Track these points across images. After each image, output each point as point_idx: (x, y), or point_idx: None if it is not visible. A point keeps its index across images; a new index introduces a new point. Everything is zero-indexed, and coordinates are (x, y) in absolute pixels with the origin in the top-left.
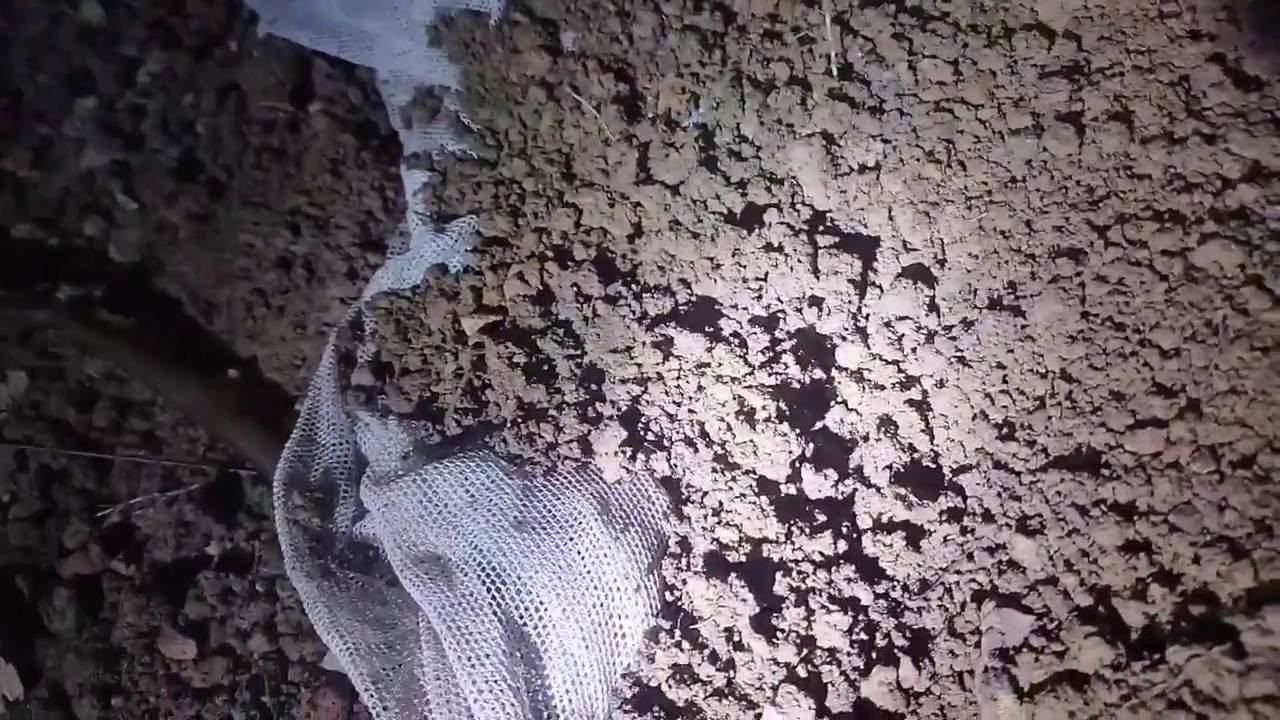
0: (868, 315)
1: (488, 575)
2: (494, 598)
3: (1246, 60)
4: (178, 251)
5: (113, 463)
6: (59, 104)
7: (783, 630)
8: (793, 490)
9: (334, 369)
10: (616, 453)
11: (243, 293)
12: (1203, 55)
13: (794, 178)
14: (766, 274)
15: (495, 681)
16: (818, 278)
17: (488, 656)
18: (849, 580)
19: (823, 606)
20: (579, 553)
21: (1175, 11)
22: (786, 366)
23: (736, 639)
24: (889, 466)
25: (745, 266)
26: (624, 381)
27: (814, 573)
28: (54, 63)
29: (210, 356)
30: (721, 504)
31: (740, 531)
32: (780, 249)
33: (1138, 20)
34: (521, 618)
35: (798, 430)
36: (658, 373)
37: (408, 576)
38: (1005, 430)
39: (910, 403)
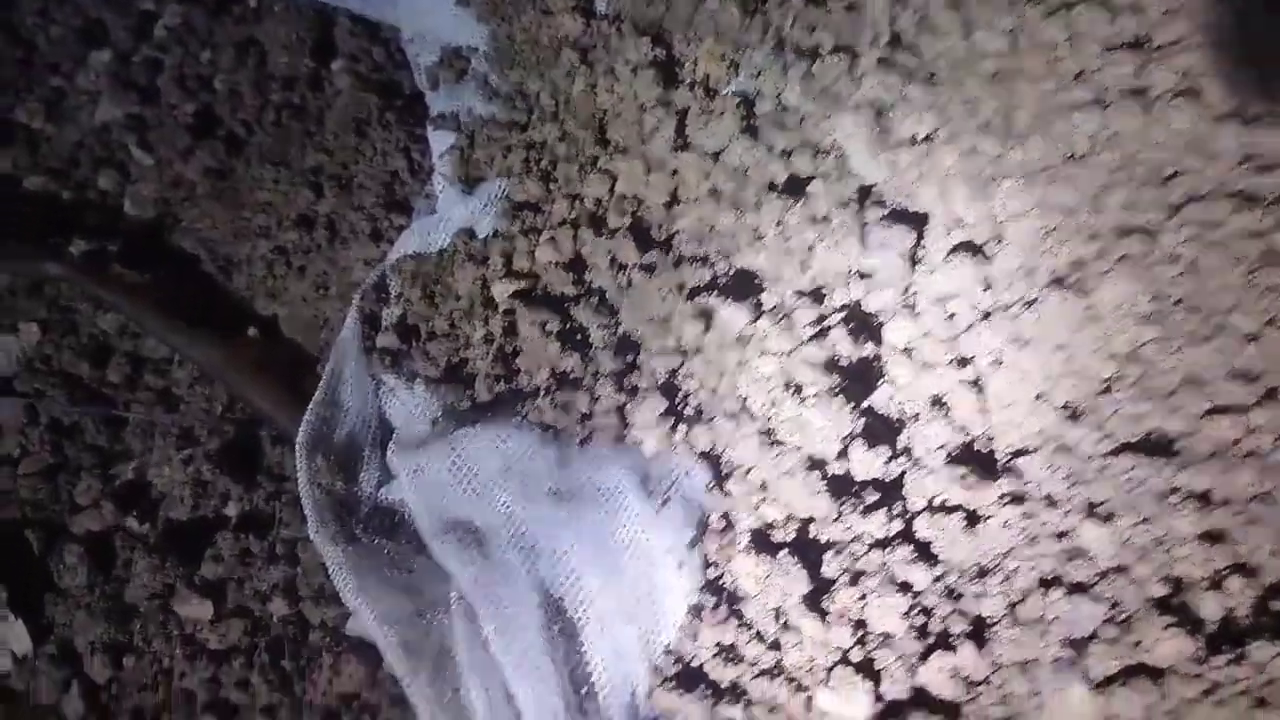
0: (919, 292)
1: (523, 545)
2: (530, 567)
3: None
4: (194, 207)
5: (126, 419)
6: (73, 56)
7: (835, 612)
8: (841, 469)
9: (358, 331)
10: (656, 424)
11: (262, 251)
12: None
13: (840, 148)
14: (812, 246)
15: (533, 653)
16: (866, 251)
17: (524, 628)
18: (904, 562)
19: (877, 589)
20: (619, 525)
21: None
22: (835, 342)
23: (785, 619)
24: (942, 447)
25: (789, 239)
26: (662, 353)
27: (866, 554)
28: (67, 14)
29: (228, 315)
30: (767, 480)
31: (787, 509)
32: (827, 221)
33: None
34: (559, 589)
35: (851, 406)
36: (697, 345)
37: (438, 543)
38: (1069, 413)
39: (965, 382)
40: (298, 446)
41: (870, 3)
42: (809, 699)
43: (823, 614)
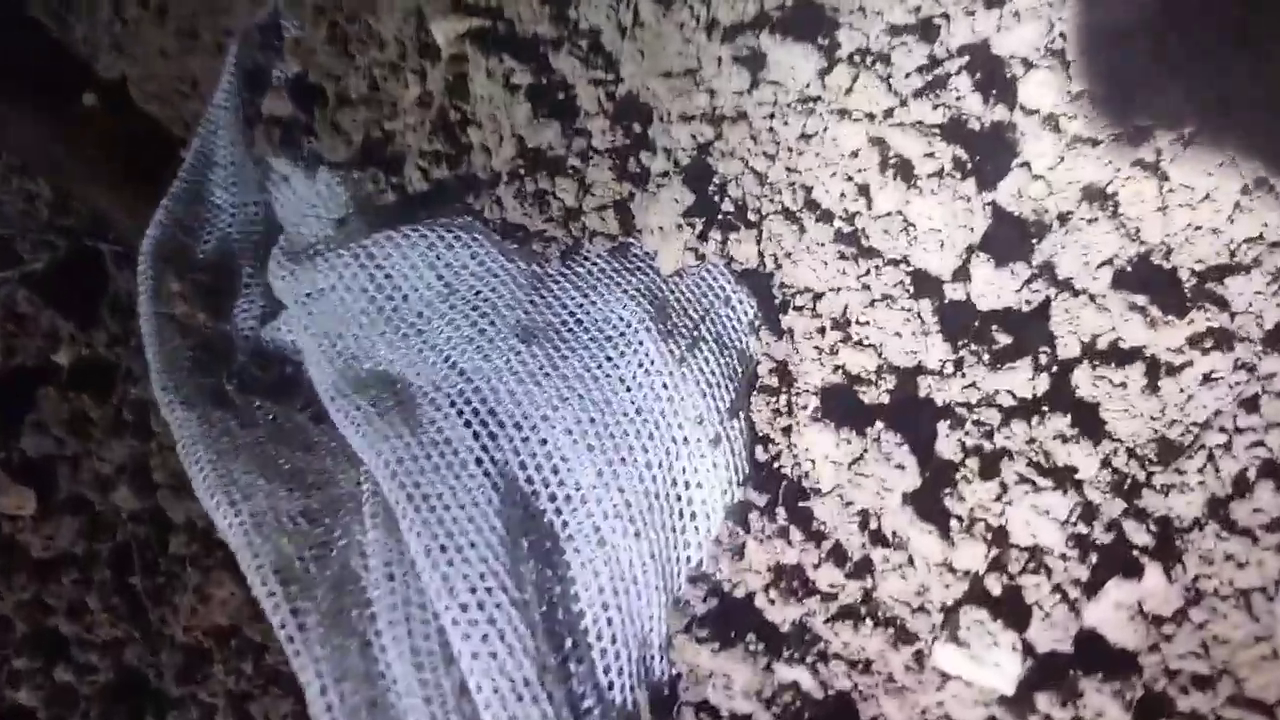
0: (1073, 26)
1: (475, 411)
2: (484, 448)
3: None
4: None
5: None
6: None
7: (959, 517)
8: (960, 293)
9: (237, 95)
10: (677, 227)
11: None
12: None
13: None
14: None
15: (486, 588)
16: None
17: (473, 545)
18: (1061, 439)
19: (1022, 479)
20: (621, 380)
21: None
22: (958, 94)
23: (880, 528)
24: (1108, 262)
25: None
26: (685, 119)
27: (1004, 425)
28: None
29: (59, 78)
30: (849, 311)
31: (881, 355)
32: None
33: None
34: (530, 483)
35: (980, 196)
36: (739, 107)
37: (342, 408)
38: None
39: (1139, 165)
40: (141, 259)
41: None
42: (918, 654)
43: (941, 520)
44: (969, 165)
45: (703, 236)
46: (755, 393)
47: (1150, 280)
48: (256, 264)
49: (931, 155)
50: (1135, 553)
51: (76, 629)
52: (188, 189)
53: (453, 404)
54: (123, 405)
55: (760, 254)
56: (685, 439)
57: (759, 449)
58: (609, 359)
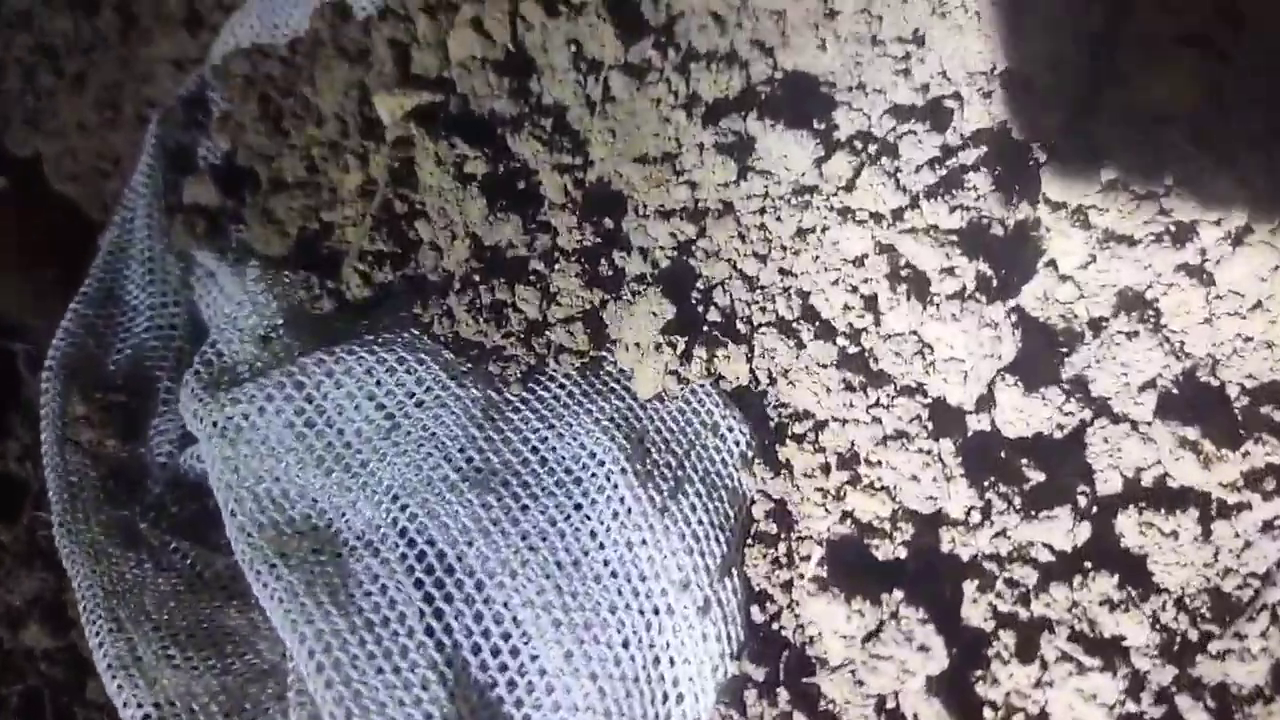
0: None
1: (428, 569)
2: (431, 628)
3: None
4: None
5: None
6: None
7: (993, 704)
8: (986, 424)
9: (158, 178)
10: (656, 346)
11: (19, 51)
12: None
13: None
14: (920, 30)
15: None
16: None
17: None
18: (1107, 604)
19: (1064, 655)
20: (593, 535)
21: None
22: (976, 194)
23: (900, 711)
24: (1151, 384)
25: (881, 17)
26: (664, 214)
27: (1041, 587)
28: None
29: None
30: (857, 446)
31: (895, 500)
32: None
33: None
34: (485, 669)
35: (1008, 313)
36: (724, 201)
37: (260, 573)
38: None
39: (1184, 270)
40: (45, 375)
41: None
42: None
43: (972, 710)
44: (994, 283)
45: (686, 355)
46: (750, 542)
47: (1198, 403)
48: (176, 376)
49: (950, 271)
50: None
51: None
52: (100, 288)
53: (402, 557)
54: (35, 528)
55: (752, 371)
56: (669, 607)
57: (756, 610)
58: (578, 507)
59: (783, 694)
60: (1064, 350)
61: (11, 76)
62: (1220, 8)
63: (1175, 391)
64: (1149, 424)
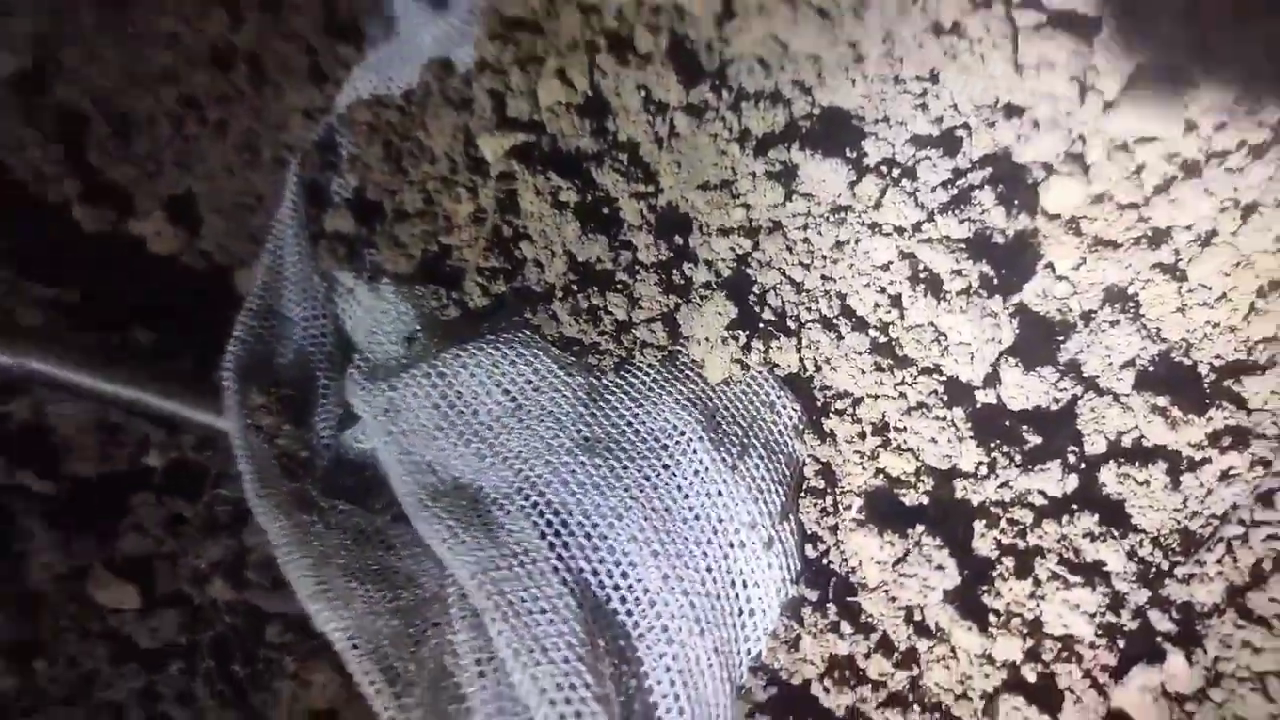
0: (1093, 133)
1: (548, 522)
2: (559, 554)
3: None
4: (81, 47)
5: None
6: None
7: (997, 612)
8: (990, 396)
9: (299, 211)
10: (722, 340)
11: (168, 103)
12: None
13: None
14: (935, 70)
15: (570, 685)
16: (1019, 75)
17: (556, 646)
18: (1090, 537)
19: (1054, 575)
20: (679, 488)
21: None
22: (982, 208)
23: (924, 621)
24: (1130, 363)
25: (902, 60)
26: (724, 232)
27: (1035, 524)
28: None
29: (124, 194)
30: (887, 417)
31: (918, 459)
32: (958, 31)
33: None
34: (603, 588)
35: (1006, 304)
36: (774, 219)
37: (427, 520)
38: None
39: (1160, 268)
40: (224, 375)
41: None
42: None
43: (981, 615)
44: (995, 281)
45: (746, 347)
46: (803, 494)
47: (1171, 378)
48: (331, 374)
49: (959, 273)
50: (1159, 639)
51: (186, 715)
52: (261, 304)
53: (526, 514)
54: (214, 505)
55: (801, 360)
56: (741, 543)
57: (809, 547)
58: (665, 467)
59: (831, 609)
60: (1059, 338)
61: (162, 125)
62: None
63: (1151, 369)
64: (1128, 395)
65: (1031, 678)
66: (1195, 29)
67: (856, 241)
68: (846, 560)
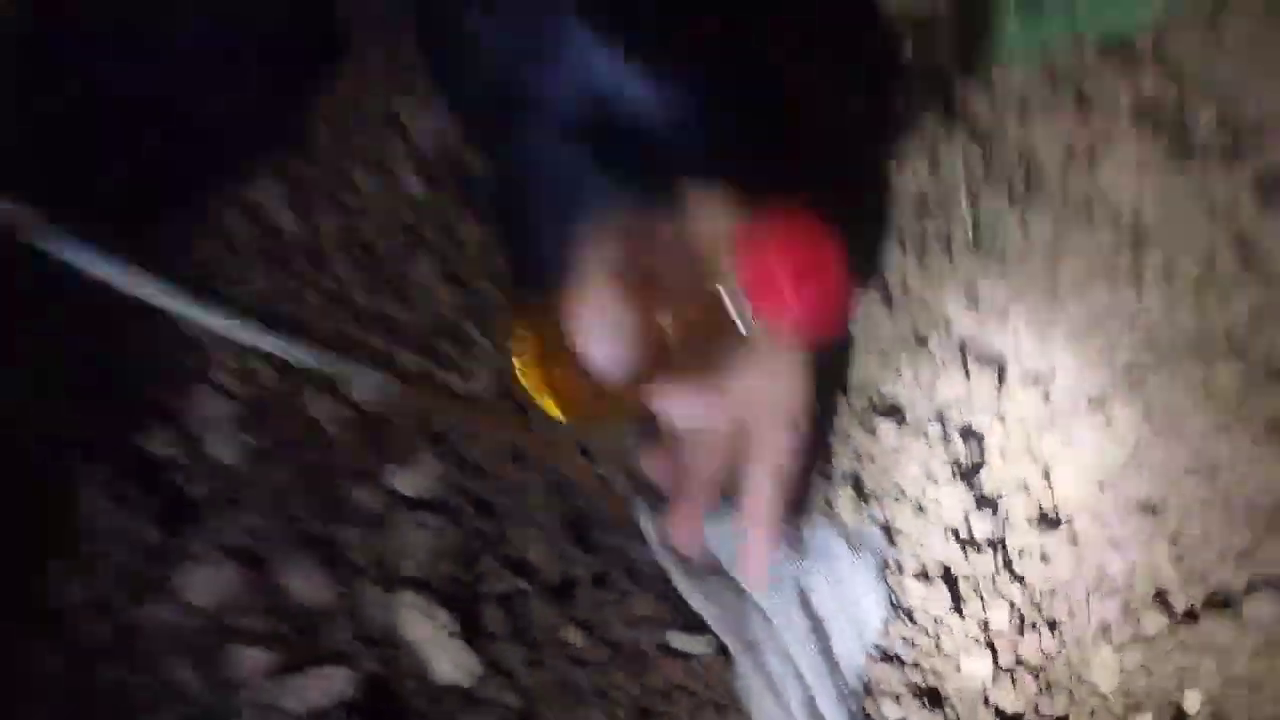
0: (1005, 409)
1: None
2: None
3: None
4: None
5: None
6: None
7: (966, 613)
8: (965, 531)
9: None
10: (852, 505)
11: None
12: None
13: (946, 314)
14: (934, 383)
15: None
16: (968, 384)
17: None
18: (1006, 583)
19: (990, 600)
20: (838, 568)
21: None
22: (955, 446)
23: (938, 618)
24: (1029, 520)
25: (918, 376)
26: (847, 456)
27: (985, 580)
28: None
29: None
30: (919, 538)
31: (932, 557)
32: (943, 364)
33: None
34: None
35: (967, 489)
36: (869, 452)
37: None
38: (1099, 488)
39: (1037, 472)
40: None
41: (959, 204)
42: (956, 665)
43: (961, 613)
44: (959, 475)
45: (860, 507)
46: (886, 571)
47: (1044, 519)
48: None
49: (942, 474)
50: (1037, 629)
51: None
52: None
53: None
54: None
55: (883, 514)
56: (863, 592)
57: (890, 593)
58: (831, 560)
59: (900, 616)
60: (996, 503)
61: None
62: None
63: (1036, 516)
64: (1023, 526)
65: (978, 636)
66: None
67: (903, 462)
68: (905, 597)
